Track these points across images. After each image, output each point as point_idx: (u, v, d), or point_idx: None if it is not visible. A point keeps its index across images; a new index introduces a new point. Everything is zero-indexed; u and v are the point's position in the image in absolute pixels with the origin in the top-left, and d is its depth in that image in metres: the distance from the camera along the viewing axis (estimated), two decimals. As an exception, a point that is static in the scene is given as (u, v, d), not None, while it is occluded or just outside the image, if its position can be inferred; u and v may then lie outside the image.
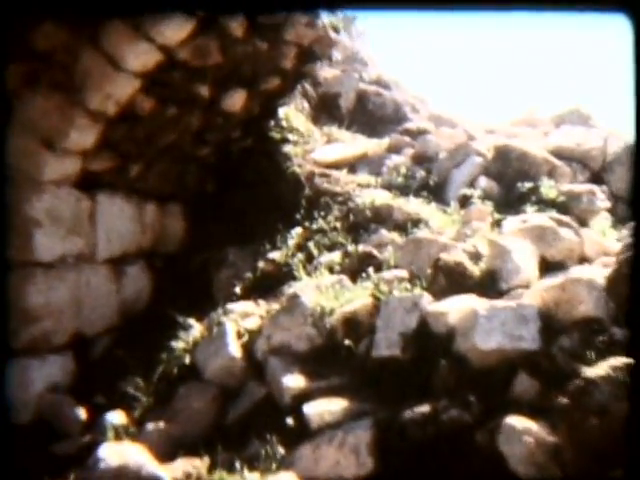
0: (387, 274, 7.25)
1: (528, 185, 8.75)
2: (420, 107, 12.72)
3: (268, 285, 8.20)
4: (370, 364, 6.28)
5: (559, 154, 9.39)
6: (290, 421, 6.04)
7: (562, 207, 8.31)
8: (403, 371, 6.05)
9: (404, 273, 7.18)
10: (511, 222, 7.68)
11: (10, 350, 6.81)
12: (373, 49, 13.91)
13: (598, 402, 4.96)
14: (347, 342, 6.41)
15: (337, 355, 6.43)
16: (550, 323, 5.86)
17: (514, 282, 6.59)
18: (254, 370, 6.88)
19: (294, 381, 6.35)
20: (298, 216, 9.25)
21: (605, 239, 7.74)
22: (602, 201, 8.49)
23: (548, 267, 6.88)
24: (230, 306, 7.82)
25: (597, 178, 9.25)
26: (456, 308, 6.18)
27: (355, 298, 6.79)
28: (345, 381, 6.27)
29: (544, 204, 8.41)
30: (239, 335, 7.17)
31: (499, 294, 6.49)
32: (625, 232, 7.98)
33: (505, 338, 5.75)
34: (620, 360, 5.07)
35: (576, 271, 6.56)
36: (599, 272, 6.35)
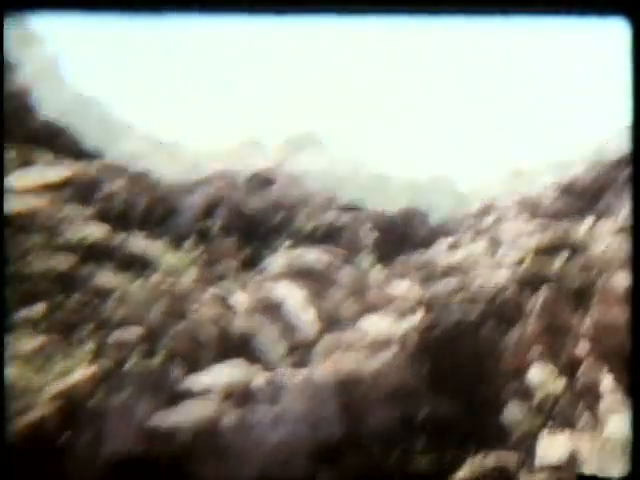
0: (115, 333, 5.99)
1: (280, 215, 7.53)
2: (130, 124, 11.31)
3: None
4: (101, 467, 4.99)
5: (309, 179, 8.23)
6: None
7: (323, 240, 7.16)
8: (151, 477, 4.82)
9: (139, 331, 5.92)
10: (274, 261, 6.39)
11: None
12: (70, 63, 12.42)
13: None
14: (65, 434, 5.17)
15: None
16: (353, 399, 4.74)
17: (294, 340, 5.44)
18: None
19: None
20: (-13, 259, 7.52)
21: (376, 278, 6.58)
22: (367, 232, 7.37)
23: (330, 318, 5.69)
24: None
25: (354, 205, 8.16)
26: (221, 383, 4.94)
27: (72, 368, 5.65)
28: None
29: (302, 237, 7.25)
30: None
31: (273, 361, 5.30)
32: (397, 269, 6.89)
33: (297, 425, 4.59)
34: (490, 460, 3.72)
35: (372, 325, 5.36)
36: (396, 325, 5.32)
